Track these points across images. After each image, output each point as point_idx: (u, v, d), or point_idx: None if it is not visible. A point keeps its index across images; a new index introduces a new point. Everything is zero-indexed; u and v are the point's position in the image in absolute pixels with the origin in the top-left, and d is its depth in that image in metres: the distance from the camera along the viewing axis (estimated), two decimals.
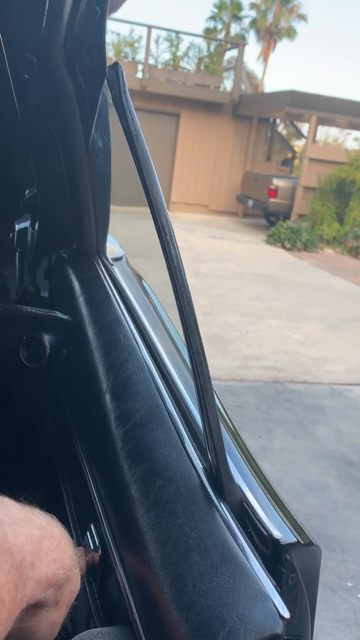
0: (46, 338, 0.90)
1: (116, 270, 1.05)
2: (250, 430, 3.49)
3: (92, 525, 0.71)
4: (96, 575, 0.69)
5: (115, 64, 0.52)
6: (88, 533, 0.71)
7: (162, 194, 0.61)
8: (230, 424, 0.78)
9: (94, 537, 0.70)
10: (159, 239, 0.59)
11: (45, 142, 0.90)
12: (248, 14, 23.77)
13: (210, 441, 0.62)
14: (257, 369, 4.56)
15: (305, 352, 5.08)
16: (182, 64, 16.06)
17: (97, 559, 0.67)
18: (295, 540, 0.59)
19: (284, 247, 10.77)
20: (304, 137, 13.35)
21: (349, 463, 3.27)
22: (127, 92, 0.54)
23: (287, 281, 7.95)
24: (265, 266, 8.83)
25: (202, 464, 0.67)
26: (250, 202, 12.67)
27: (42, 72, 0.75)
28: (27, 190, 1.13)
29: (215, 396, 0.84)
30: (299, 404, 3.98)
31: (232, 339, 5.20)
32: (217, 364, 4.54)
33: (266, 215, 13.20)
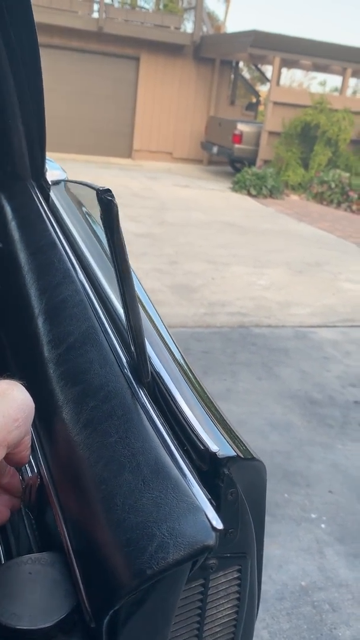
0: None
1: (54, 195, 0.98)
2: (216, 373, 3.50)
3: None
4: (34, 503, 0.65)
5: (110, 194, 0.53)
6: None
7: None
8: (172, 346, 0.74)
9: (31, 465, 0.66)
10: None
11: None
12: None
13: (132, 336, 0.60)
14: (222, 315, 4.55)
15: (270, 297, 5.09)
16: (140, 2, 15.30)
17: (35, 483, 0.64)
18: (234, 454, 0.56)
19: (249, 194, 10.65)
20: (268, 80, 13.03)
21: (313, 402, 3.32)
22: (120, 227, 0.55)
23: (253, 228, 7.89)
24: (231, 214, 8.73)
25: (139, 381, 0.63)
26: (215, 149, 12.41)
27: None
28: None
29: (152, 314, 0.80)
30: (264, 347, 4.00)
31: (197, 287, 5.17)
32: (183, 312, 4.51)
33: (231, 161, 12.97)
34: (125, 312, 0.62)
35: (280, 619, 1.92)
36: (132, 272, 0.89)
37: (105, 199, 0.51)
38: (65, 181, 1.11)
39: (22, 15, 0.83)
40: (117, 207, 0.52)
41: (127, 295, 0.60)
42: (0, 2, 0.73)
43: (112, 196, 0.52)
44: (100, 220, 0.55)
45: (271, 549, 2.21)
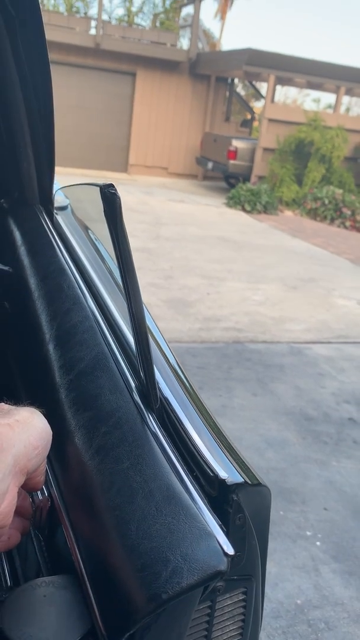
0: None
1: (61, 220, 1.00)
2: (212, 389, 3.51)
3: None
4: (44, 525, 0.67)
5: (112, 188, 0.52)
6: None
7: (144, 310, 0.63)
8: (179, 371, 0.76)
9: (42, 488, 0.68)
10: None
11: None
12: None
13: (142, 363, 0.62)
14: (217, 330, 4.57)
15: (265, 313, 5.12)
16: (137, 20, 15.51)
17: (45, 506, 0.65)
18: (242, 480, 0.58)
19: (244, 209, 10.74)
20: (263, 97, 13.20)
21: (308, 418, 3.34)
22: (123, 221, 0.54)
23: (248, 243, 7.95)
24: (226, 229, 8.80)
25: (148, 407, 0.65)
26: (210, 164, 12.53)
27: None
28: None
29: (159, 344, 0.82)
30: (259, 362, 4.03)
31: (193, 302, 5.20)
32: (178, 327, 4.53)
33: (226, 177, 13.09)
34: (134, 338, 0.64)
35: (276, 638, 1.92)
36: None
37: (109, 192, 0.51)
38: (67, 187, 1.12)
39: (35, 42, 0.86)
40: (120, 199, 0.53)
41: (136, 314, 0.62)
42: (15, 30, 0.75)
43: (115, 190, 0.52)
44: (106, 224, 0.56)
45: (267, 567, 2.21)
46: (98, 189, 0.53)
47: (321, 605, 2.08)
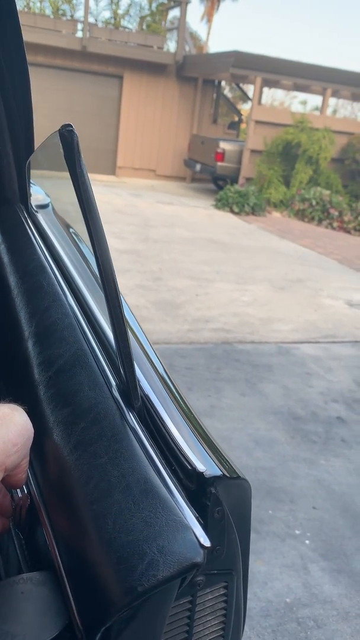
0: None
1: (41, 218, 1.00)
2: (200, 390, 3.51)
3: None
4: (24, 523, 0.67)
5: (69, 127, 0.50)
6: None
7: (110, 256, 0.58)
8: (159, 367, 0.76)
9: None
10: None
11: None
12: None
13: (122, 361, 0.61)
14: (206, 331, 4.58)
15: (254, 313, 5.13)
16: (124, 22, 15.55)
17: (25, 504, 0.65)
18: (221, 473, 0.58)
19: (232, 211, 10.77)
20: (250, 99, 13.25)
21: (296, 417, 3.35)
22: (82, 160, 0.52)
23: (236, 245, 7.97)
24: (214, 231, 8.81)
25: (128, 403, 0.65)
26: (198, 166, 12.55)
27: None
28: None
29: (140, 339, 0.82)
30: (248, 363, 4.04)
31: (181, 303, 5.20)
32: (167, 328, 4.53)
33: (214, 179, 13.13)
34: (114, 335, 0.64)
35: (266, 636, 1.92)
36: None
37: (66, 131, 0.50)
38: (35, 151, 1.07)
39: (12, 38, 0.85)
40: (77, 137, 0.51)
41: (114, 312, 0.61)
42: None
43: (72, 128, 0.51)
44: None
45: (256, 566, 2.21)
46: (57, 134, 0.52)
47: (310, 603, 2.08)
